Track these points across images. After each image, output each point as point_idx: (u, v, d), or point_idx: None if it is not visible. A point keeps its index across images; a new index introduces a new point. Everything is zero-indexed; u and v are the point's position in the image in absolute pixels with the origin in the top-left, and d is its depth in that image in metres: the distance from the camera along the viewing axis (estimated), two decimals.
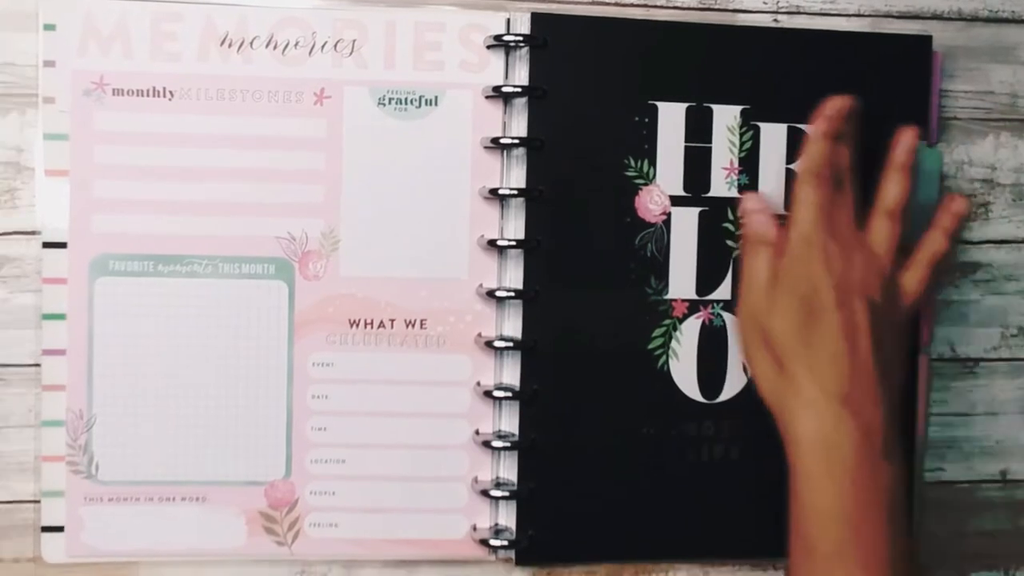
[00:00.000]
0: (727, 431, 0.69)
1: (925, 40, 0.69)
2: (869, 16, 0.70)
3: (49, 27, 0.64)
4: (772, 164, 0.69)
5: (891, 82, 0.69)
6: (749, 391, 0.68)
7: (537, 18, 0.66)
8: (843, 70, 0.69)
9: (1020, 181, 0.72)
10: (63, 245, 0.65)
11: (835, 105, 0.64)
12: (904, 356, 0.65)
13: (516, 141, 0.66)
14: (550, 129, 0.66)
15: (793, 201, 0.64)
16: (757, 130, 0.68)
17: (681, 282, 0.68)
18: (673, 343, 0.68)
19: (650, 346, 0.68)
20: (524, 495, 0.67)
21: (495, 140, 0.66)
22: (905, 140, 0.66)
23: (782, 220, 0.65)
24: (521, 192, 0.66)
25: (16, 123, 0.65)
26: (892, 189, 0.65)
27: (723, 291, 0.68)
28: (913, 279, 0.66)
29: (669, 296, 0.68)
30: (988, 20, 0.71)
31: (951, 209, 0.67)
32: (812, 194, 0.63)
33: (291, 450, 0.67)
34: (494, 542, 0.67)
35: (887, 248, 0.64)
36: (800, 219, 0.63)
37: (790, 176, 0.68)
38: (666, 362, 0.68)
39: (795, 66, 0.68)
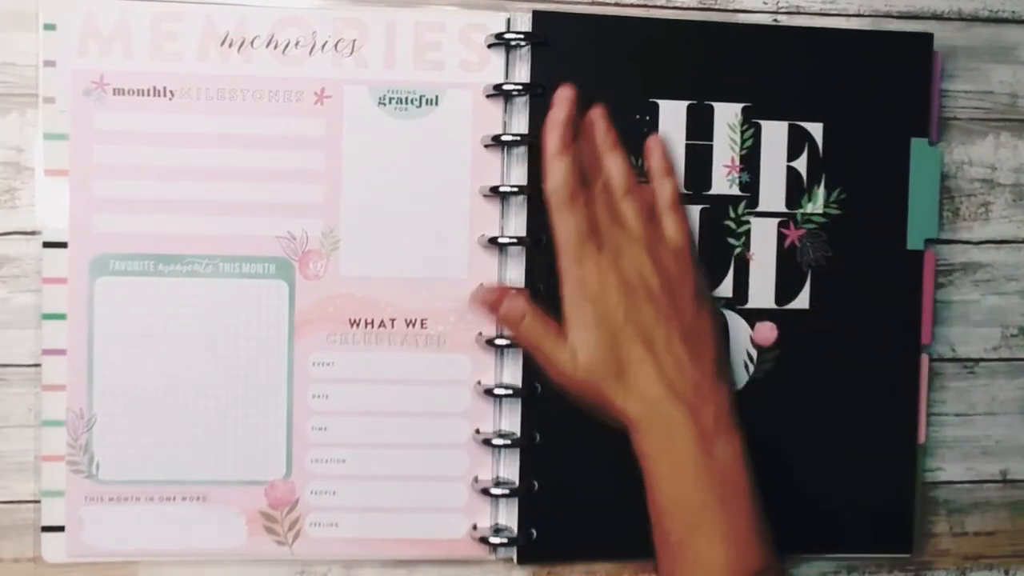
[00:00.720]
0: None
1: (926, 38, 0.69)
2: (869, 16, 0.70)
3: (49, 27, 0.64)
4: (773, 162, 0.69)
5: (891, 80, 0.69)
6: (750, 388, 0.69)
7: (538, 16, 0.66)
8: (844, 68, 0.69)
9: (1020, 181, 0.72)
10: (63, 245, 0.65)
11: (557, 115, 0.63)
12: (701, 300, 0.64)
13: (517, 138, 0.66)
14: None
15: (551, 230, 0.63)
16: (758, 128, 0.68)
17: None
18: None
19: None
20: (524, 494, 0.67)
21: (495, 138, 0.66)
22: (599, 121, 0.65)
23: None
24: (522, 190, 0.66)
25: (16, 123, 0.65)
26: (614, 168, 0.64)
27: (724, 288, 0.68)
28: (671, 227, 0.65)
29: None
30: (988, 20, 0.71)
31: (654, 150, 0.66)
32: (565, 216, 0.62)
33: (291, 450, 0.67)
34: (494, 540, 0.67)
35: (639, 221, 0.63)
36: (565, 247, 0.63)
37: (791, 174, 0.68)
38: None
39: (796, 64, 0.68)
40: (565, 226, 0.63)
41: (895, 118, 0.69)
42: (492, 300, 0.65)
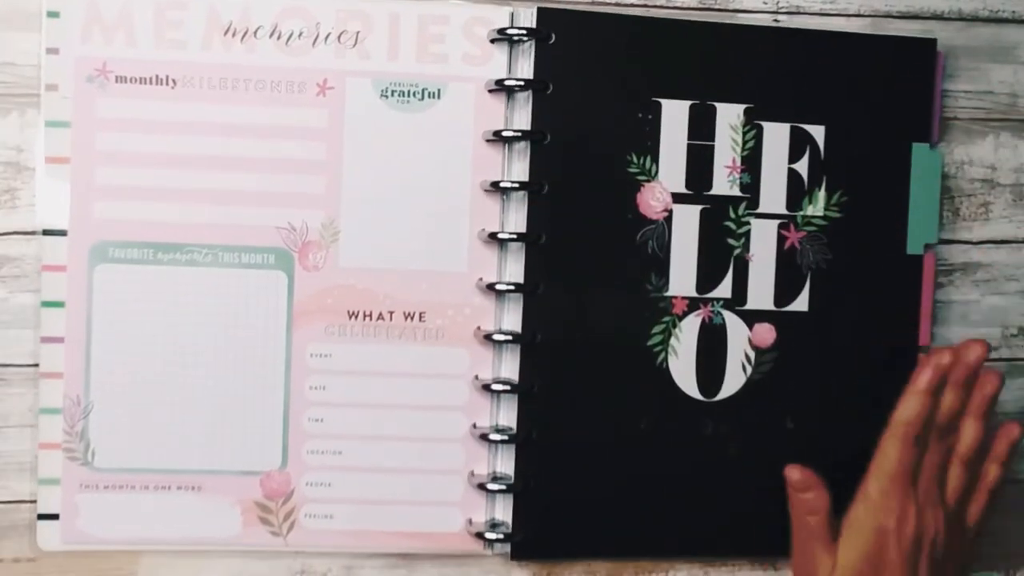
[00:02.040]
0: (725, 429, 0.69)
1: (929, 43, 0.70)
2: (869, 16, 0.71)
3: (53, 14, 0.64)
4: (774, 163, 0.69)
5: (894, 84, 0.69)
6: (747, 390, 0.69)
7: (542, 12, 0.66)
8: (847, 72, 0.69)
9: (1020, 181, 0.72)
10: (63, 232, 0.65)
11: (945, 360, 0.64)
12: None
13: (518, 134, 0.66)
14: (553, 123, 0.66)
15: (878, 452, 0.64)
16: (760, 129, 0.68)
17: (681, 279, 0.68)
18: (672, 340, 0.68)
19: (649, 343, 0.68)
20: (520, 490, 0.67)
21: (497, 133, 0.66)
22: (988, 387, 0.65)
23: None
24: (523, 185, 0.66)
25: (16, 123, 0.65)
26: (968, 434, 0.65)
27: (723, 289, 0.68)
28: (974, 509, 0.67)
29: (669, 293, 0.68)
30: (988, 20, 0.72)
31: (1007, 438, 0.67)
32: (896, 451, 0.64)
33: (288, 441, 0.66)
34: (489, 535, 0.67)
35: (959, 491, 0.66)
36: (879, 475, 0.64)
37: (792, 176, 0.69)
38: (665, 359, 0.68)
39: (799, 66, 0.68)
40: (894, 456, 0.64)
41: (897, 122, 0.69)
42: (801, 483, 0.66)
